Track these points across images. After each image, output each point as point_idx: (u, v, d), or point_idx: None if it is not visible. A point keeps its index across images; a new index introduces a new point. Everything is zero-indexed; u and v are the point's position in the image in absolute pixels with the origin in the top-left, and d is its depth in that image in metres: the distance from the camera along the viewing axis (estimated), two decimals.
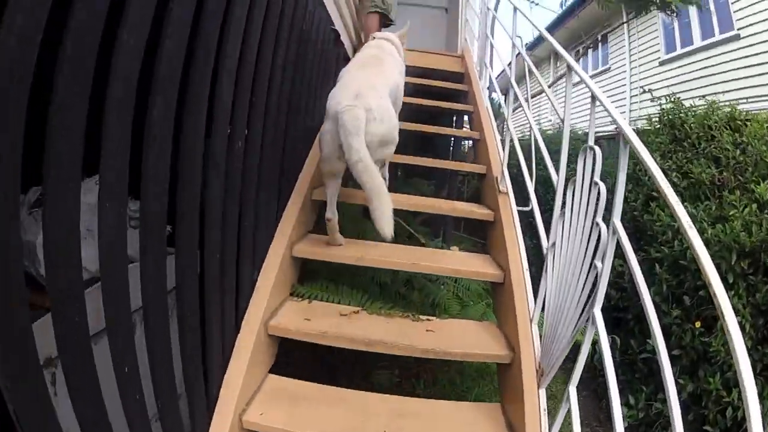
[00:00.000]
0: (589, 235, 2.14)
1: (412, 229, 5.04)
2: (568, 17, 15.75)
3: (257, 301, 2.87)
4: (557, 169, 2.86)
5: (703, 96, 9.35)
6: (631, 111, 13.28)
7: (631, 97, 13.49)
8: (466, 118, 6.47)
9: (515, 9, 4.21)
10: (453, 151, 7.16)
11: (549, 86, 13.18)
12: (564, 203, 2.54)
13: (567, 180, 2.64)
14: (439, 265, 3.34)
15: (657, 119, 6.83)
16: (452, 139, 7.14)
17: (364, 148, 2.78)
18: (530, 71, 3.78)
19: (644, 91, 8.30)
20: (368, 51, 3.84)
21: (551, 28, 16.21)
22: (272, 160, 3.10)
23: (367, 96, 2.99)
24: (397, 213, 2.99)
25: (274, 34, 2.85)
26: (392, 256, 3.40)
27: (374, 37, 4.12)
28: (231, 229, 2.50)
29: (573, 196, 2.41)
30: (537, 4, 11.52)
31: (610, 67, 14.97)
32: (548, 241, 2.76)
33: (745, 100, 8.55)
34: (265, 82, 2.78)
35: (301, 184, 3.77)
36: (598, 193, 2.11)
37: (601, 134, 12.61)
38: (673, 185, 5.39)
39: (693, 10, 10.85)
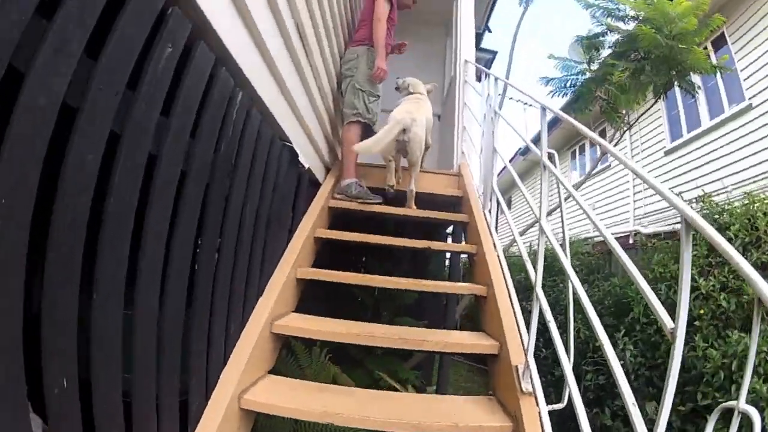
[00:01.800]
0: None
1: (401, 376, 4.84)
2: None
3: None
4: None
5: (719, 179, 9.10)
6: (635, 209, 12.38)
7: (635, 194, 12.57)
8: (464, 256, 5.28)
9: (543, 108, 3.15)
10: (447, 312, 5.63)
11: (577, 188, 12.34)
12: None
13: None
14: None
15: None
16: (445, 297, 5.71)
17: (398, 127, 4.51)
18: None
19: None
20: (413, 98, 5.35)
21: (549, 127, 15.59)
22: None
23: (415, 114, 4.76)
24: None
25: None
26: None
27: (411, 92, 5.52)
28: None
29: None
30: (531, 106, 10.75)
31: (610, 165, 14.13)
32: None
33: (763, 176, 8.20)
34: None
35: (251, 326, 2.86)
36: None
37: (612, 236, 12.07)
38: (719, 309, 4.68)
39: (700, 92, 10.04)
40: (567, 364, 2.40)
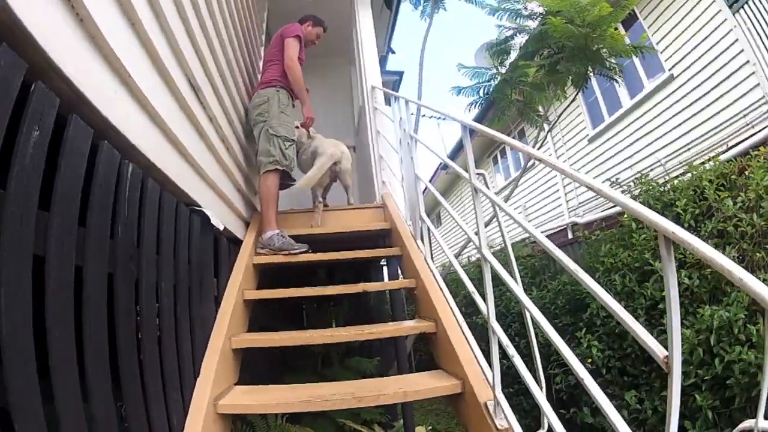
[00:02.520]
0: None
1: (365, 417, 4.81)
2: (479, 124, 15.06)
3: None
4: None
5: (651, 154, 9.35)
6: (568, 201, 12.41)
7: (564, 186, 12.59)
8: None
9: (465, 126, 3.08)
10: (397, 347, 5.30)
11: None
12: None
13: None
14: None
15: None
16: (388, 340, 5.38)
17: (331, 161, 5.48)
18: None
19: (612, 183, 7.14)
20: (333, 142, 5.90)
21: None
22: None
23: (342, 148, 5.73)
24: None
25: None
26: None
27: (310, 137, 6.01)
28: None
29: None
30: (445, 119, 10.68)
31: (535, 163, 14.14)
32: None
33: (694, 143, 8.53)
34: None
35: None
36: None
37: (550, 230, 12.19)
38: (680, 286, 4.47)
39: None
40: (540, 395, 2.20)
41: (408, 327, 3.74)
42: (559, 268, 7.80)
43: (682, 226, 4.36)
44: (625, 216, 5.63)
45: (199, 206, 3.26)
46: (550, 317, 5.98)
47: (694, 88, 8.55)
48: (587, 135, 11.65)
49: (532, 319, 2.15)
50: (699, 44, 8.36)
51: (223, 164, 4.02)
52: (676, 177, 5.67)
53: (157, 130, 2.65)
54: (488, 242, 2.63)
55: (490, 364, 2.44)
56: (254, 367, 3.44)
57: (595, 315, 5.35)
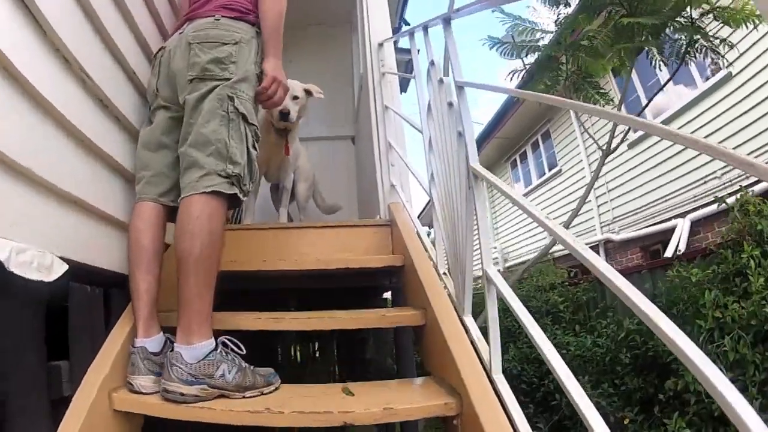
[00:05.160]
0: None
1: None
2: (497, 125, 13.73)
3: None
4: None
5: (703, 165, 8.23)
6: (600, 215, 10.93)
7: (597, 198, 11.01)
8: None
9: None
10: None
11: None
12: None
13: None
14: None
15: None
16: None
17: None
18: None
19: (717, 200, 5.17)
20: None
21: (480, 142, 14.28)
22: None
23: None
24: None
25: None
26: None
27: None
28: None
29: None
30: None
31: (561, 169, 12.50)
32: None
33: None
34: None
35: None
36: None
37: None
38: None
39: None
40: None
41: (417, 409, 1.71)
42: (615, 303, 5.54)
43: None
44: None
45: None
46: (607, 377, 4.52)
47: (758, 88, 7.51)
48: (627, 139, 9.84)
49: None
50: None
51: (71, 129, 1.88)
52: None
53: None
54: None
55: None
56: None
57: (689, 390, 3.67)
